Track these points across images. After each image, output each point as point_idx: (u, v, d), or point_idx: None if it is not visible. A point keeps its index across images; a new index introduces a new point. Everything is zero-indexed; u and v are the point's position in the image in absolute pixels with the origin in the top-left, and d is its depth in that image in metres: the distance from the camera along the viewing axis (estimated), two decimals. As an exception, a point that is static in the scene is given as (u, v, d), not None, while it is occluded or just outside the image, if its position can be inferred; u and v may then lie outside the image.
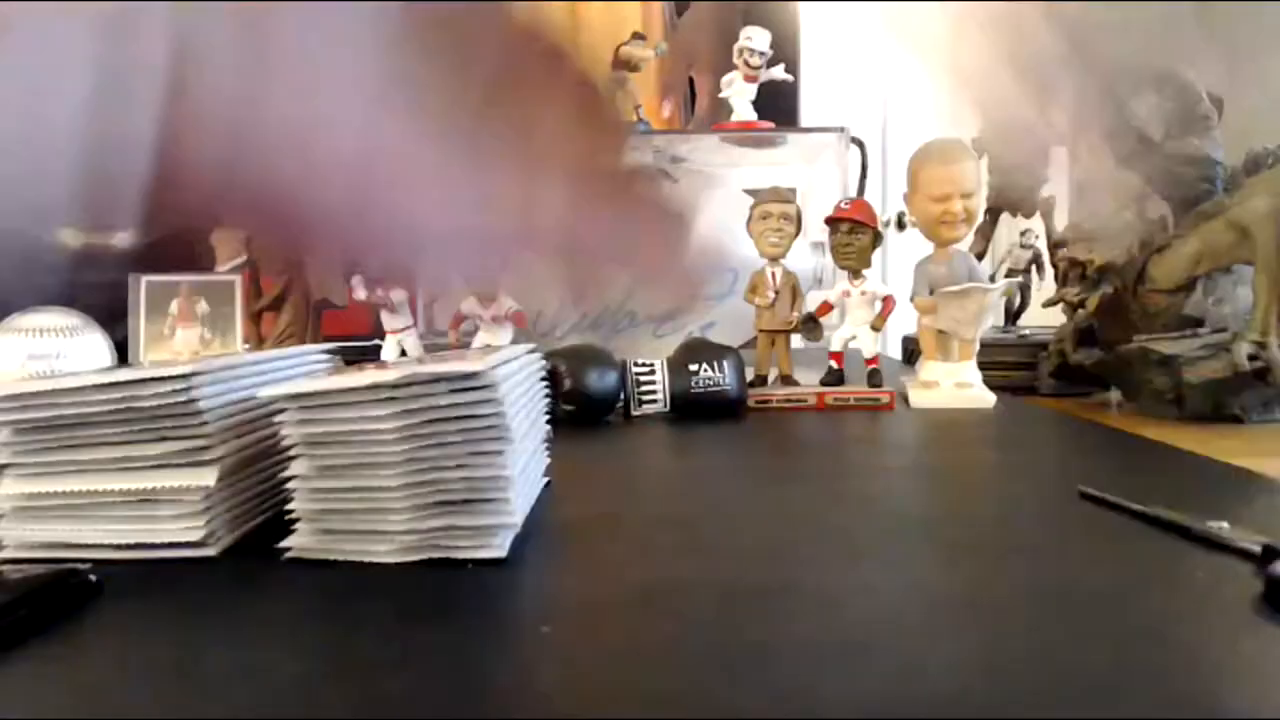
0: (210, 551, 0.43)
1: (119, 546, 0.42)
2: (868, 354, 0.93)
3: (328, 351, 0.59)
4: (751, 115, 1.18)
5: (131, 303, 0.99)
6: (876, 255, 0.96)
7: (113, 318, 0.97)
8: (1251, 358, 0.82)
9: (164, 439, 0.43)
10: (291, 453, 0.42)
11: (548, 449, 0.57)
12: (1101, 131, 1.01)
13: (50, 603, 0.36)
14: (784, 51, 1.32)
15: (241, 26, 0.25)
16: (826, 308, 0.96)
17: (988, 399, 0.89)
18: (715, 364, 0.84)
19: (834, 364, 0.94)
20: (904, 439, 0.75)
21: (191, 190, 0.26)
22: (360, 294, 1.01)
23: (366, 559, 0.41)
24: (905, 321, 1.13)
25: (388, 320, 1.01)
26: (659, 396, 0.84)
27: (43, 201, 0.27)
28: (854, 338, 0.94)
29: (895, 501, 0.54)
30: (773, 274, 0.94)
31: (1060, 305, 0.99)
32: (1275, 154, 0.93)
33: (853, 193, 1.16)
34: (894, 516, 0.50)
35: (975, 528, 0.48)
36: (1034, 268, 1.22)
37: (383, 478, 0.41)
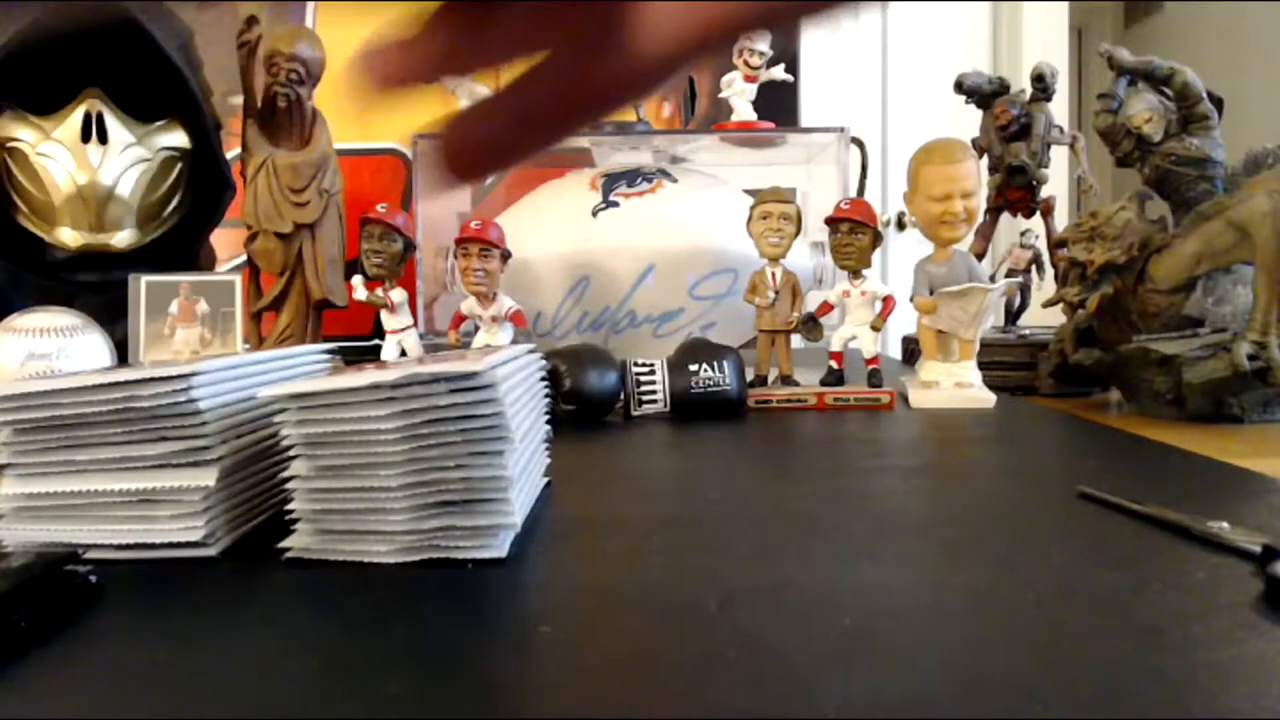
0: (210, 551, 0.43)
1: (119, 546, 0.42)
2: (868, 354, 0.93)
3: (328, 351, 0.59)
4: (751, 115, 1.17)
5: (131, 303, 0.99)
6: (876, 255, 0.96)
7: (113, 318, 0.96)
8: (1251, 358, 0.82)
9: (164, 439, 0.43)
10: (291, 453, 0.42)
11: (548, 449, 0.57)
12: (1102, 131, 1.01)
13: (50, 603, 0.36)
14: (784, 52, 1.32)
15: None
16: (826, 308, 0.96)
17: (988, 399, 0.89)
18: (715, 364, 0.84)
19: (834, 364, 0.94)
20: (904, 439, 0.75)
21: None
22: (360, 294, 1.01)
23: (366, 559, 0.41)
24: (905, 321, 1.13)
25: (388, 320, 1.01)
26: (659, 396, 0.84)
27: None
28: (854, 338, 0.94)
29: (895, 501, 0.54)
30: (773, 274, 0.94)
31: (1060, 305, 0.99)
32: (1275, 154, 0.93)
33: (853, 193, 1.16)
34: (894, 516, 0.50)
35: (975, 527, 0.48)
36: (1034, 268, 1.22)
37: (383, 478, 0.41)
